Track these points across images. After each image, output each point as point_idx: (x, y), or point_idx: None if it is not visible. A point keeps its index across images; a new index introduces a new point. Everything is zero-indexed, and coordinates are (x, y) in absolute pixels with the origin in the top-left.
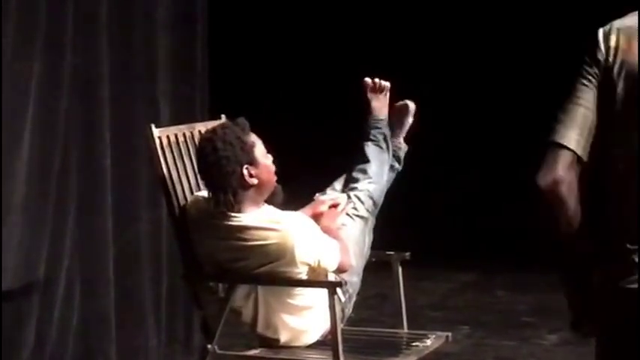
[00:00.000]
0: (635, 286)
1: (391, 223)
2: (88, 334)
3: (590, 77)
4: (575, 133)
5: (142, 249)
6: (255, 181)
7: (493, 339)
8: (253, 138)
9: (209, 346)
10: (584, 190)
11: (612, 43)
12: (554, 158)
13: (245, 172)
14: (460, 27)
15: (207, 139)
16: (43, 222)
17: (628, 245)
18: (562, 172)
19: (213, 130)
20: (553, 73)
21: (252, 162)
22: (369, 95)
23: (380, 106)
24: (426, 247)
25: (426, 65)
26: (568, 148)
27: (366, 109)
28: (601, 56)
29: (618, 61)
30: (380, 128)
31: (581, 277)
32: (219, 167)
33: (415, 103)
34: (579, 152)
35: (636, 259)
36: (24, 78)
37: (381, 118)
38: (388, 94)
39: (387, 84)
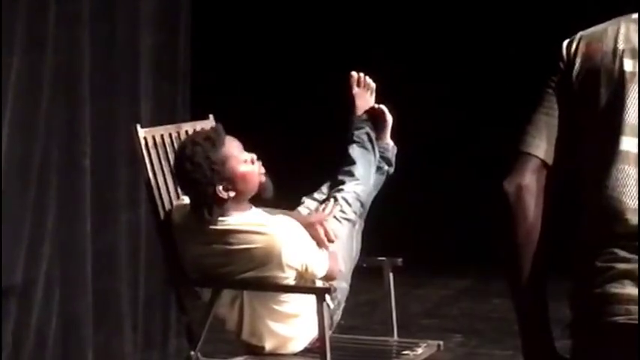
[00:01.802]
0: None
1: (384, 228)
2: (66, 339)
3: (552, 85)
4: (541, 141)
5: (120, 252)
6: (232, 194)
7: (487, 348)
8: (227, 149)
9: (192, 352)
10: (548, 196)
11: (573, 49)
12: (520, 165)
13: (219, 189)
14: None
15: (178, 157)
16: (22, 223)
17: (591, 250)
18: (528, 180)
19: (183, 148)
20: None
21: (225, 178)
22: (355, 92)
23: (364, 105)
24: (420, 252)
25: (421, 66)
26: (534, 155)
27: (350, 107)
28: (562, 64)
29: (577, 64)
30: (364, 128)
31: (534, 289)
32: (192, 188)
33: (411, 105)
34: (547, 159)
35: (598, 264)
36: (3, 75)
37: (365, 118)
38: (374, 95)
39: (373, 84)
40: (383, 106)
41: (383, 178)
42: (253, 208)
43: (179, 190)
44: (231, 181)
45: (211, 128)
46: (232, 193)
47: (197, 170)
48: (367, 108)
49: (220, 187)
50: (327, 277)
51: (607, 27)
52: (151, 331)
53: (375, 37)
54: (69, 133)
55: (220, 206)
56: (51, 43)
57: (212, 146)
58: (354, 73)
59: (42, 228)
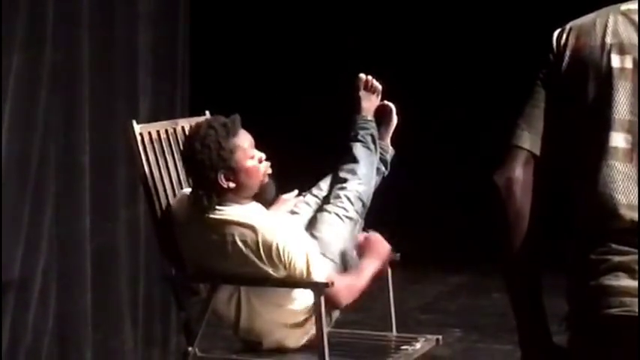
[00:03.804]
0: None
1: (381, 223)
2: (64, 336)
3: (543, 78)
4: (530, 134)
5: (120, 249)
6: (232, 185)
7: (486, 343)
8: (238, 140)
9: (190, 348)
10: (537, 188)
11: (562, 41)
12: (510, 158)
13: (221, 177)
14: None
15: (189, 136)
16: (20, 220)
17: (586, 244)
18: (518, 172)
19: (198, 128)
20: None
21: (229, 167)
22: (361, 93)
23: (370, 106)
24: (418, 248)
25: (416, 65)
26: (524, 148)
27: (355, 107)
28: (552, 56)
29: (566, 57)
30: (368, 129)
31: (527, 280)
32: (195, 169)
33: (403, 103)
34: (535, 152)
35: (593, 257)
36: (2, 73)
37: (370, 119)
38: (380, 96)
39: (380, 86)
40: (392, 106)
41: (379, 179)
42: (253, 202)
43: (175, 187)
44: (234, 172)
45: (230, 117)
46: (232, 185)
47: (204, 151)
48: (373, 109)
49: (222, 176)
50: (328, 299)
51: (596, 18)
52: (151, 329)
53: (373, 37)
54: (67, 130)
55: (219, 196)
56: (50, 40)
57: (226, 133)
58: (362, 75)
59: (40, 225)
